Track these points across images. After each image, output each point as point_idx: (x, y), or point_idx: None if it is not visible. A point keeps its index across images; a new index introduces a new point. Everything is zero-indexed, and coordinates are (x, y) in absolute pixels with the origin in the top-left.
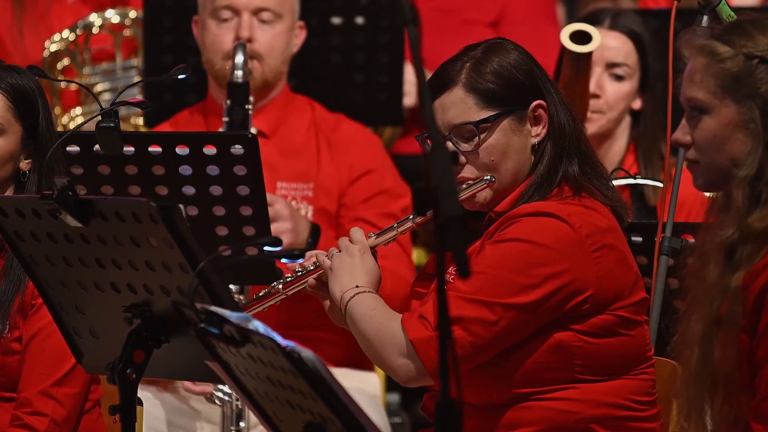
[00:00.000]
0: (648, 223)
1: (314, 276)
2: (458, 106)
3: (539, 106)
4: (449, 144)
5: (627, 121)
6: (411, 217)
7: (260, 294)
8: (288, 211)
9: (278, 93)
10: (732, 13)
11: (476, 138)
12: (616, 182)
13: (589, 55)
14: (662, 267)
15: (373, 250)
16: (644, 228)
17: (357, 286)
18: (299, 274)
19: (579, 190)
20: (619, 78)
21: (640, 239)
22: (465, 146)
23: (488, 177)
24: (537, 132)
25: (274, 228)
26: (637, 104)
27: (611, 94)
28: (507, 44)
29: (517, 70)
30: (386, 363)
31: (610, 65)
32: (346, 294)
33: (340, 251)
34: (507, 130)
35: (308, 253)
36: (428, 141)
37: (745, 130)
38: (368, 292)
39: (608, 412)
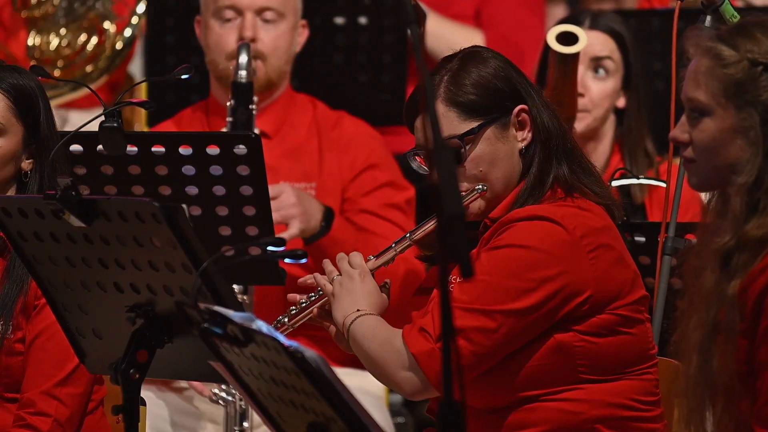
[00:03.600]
0: (651, 224)
1: (318, 305)
2: (440, 120)
3: (522, 110)
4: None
5: (612, 119)
6: (408, 234)
7: None
8: (295, 198)
9: (281, 93)
10: (735, 14)
11: (462, 150)
12: (618, 182)
13: (576, 56)
14: (665, 267)
15: (383, 282)
16: (647, 228)
17: (358, 310)
18: (303, 304)
19: (571, 190)
20: (602, 76)
21: (643, 239)
22: None
23: (480, 186)
24: (523, 136)
25: (281, 216)
26: (621, 103)
27: (595, 93)
28: (483, 52)
29: (496, 78)
30: (391, 378)
31: (595, 59)
32: (348, 318)
33: (340, 274)
34: (492, 139)
35: (307, 277)
36: (416, 158)
37: (744, 137)
38: (370, 314)
39: (613, 412)
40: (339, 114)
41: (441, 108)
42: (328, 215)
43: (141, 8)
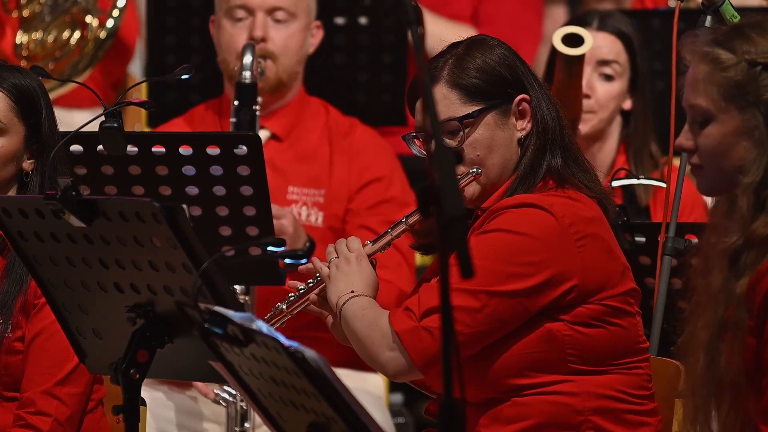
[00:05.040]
0: (651, 224)
1: (315, 292)
2: (442, 102)
3: (523, 99)
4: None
5: (618, 121)
6: (404, 219)
7: (266, 317)
8: (292, 229)
9: (294, 95)
10: (735, 14)
11: (461, 133)
12: (619, 182)
13: (581, 57)
14: (665, 267)
15: (371, 258)
16: (647, 228)
17: (352, 291)
18: (301, 291)
19: (563, 182)
20: (609, 78)
21: (643, 239)
22: (450, 142)
23: (474, 169)
24: (522, 126)
25: None
26: (627, 104)
27: (601, 94)
28: (489, 40)
29: (500, 65)
30: (376, 359)
31: (601, 63)
32: (341, 299)
33: (337, 257)
34: (492, 125)
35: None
36: (416, 141)
37: (749, 138)
38: (363, 295)
39: (605, 404)
40: (351, 121)
41: (443, 90)
42: (309, 249)
43: (122, 2)
